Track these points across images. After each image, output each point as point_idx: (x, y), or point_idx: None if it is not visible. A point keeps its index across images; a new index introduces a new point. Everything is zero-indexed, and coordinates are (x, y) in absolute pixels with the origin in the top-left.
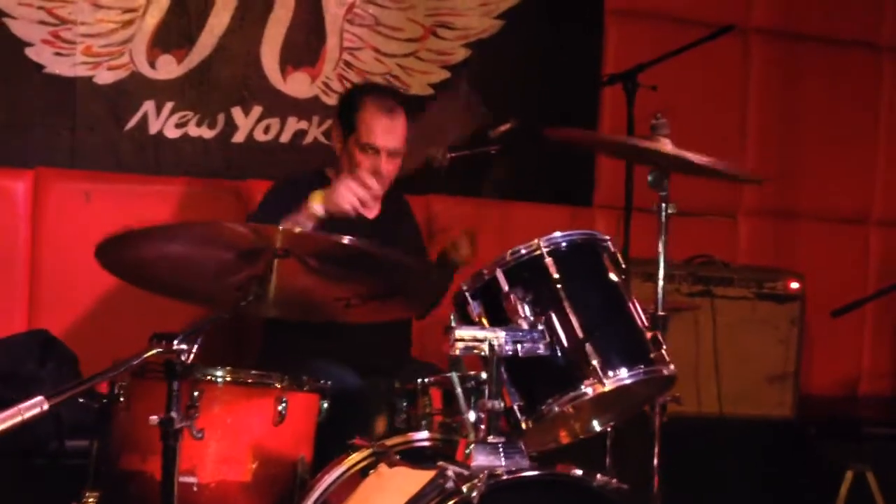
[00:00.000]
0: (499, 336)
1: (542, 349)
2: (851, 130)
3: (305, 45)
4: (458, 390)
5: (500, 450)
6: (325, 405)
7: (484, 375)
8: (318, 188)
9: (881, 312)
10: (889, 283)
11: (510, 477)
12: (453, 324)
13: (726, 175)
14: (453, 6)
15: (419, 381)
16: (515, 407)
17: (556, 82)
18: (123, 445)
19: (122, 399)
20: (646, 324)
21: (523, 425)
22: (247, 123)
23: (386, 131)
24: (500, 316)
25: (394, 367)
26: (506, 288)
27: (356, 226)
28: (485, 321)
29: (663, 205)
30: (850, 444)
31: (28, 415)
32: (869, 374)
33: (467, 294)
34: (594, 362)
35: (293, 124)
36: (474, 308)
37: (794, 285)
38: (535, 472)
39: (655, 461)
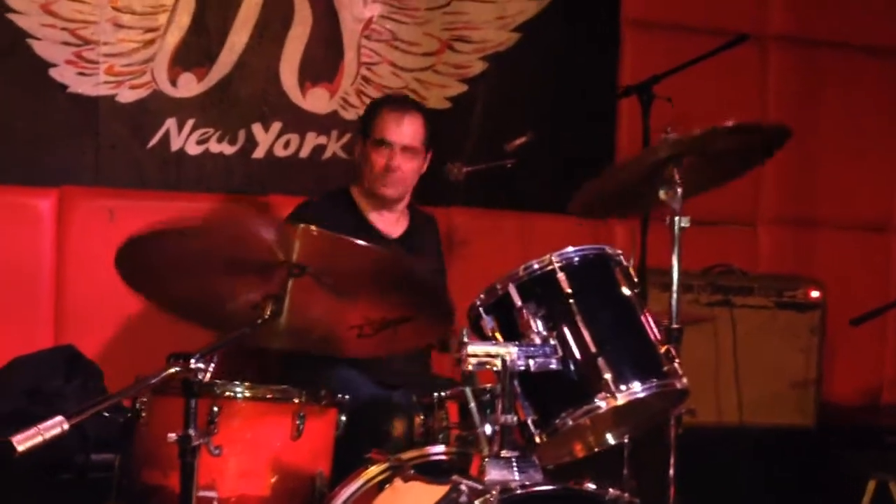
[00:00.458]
0: (511, 351)
1: (554, 364)
2: (871, 137)
3: (323, 62)
4: (472, 405)
5: (514, 464)
6: (343, 419)
7: (498, 388)
8: (342, 211)
9: None
10: None
11: (523, 491)
12: (466, 339)
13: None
14: (469, 20)
15: (435, 394)
16: (529, 421)
17: (572, 94)
18: (145, 460)
19: (143, 415)
20: (659, 337)
21: (537, 439)
22: (267, 139)
23: (398, 127)
24: (513, 330)
25: (414, 380)
26: (518, 303)
27: (380, 243)
28: (498, 335)
29: (676, 219)
30: (872, 454)
31: (48, 435)
32: (891, 382)
33: (481, 309)
34: (607, 376)
35: (312, 139)
36: (487, 322)
37: (815, 294)
38: (548, 487)
39: (671, 471)
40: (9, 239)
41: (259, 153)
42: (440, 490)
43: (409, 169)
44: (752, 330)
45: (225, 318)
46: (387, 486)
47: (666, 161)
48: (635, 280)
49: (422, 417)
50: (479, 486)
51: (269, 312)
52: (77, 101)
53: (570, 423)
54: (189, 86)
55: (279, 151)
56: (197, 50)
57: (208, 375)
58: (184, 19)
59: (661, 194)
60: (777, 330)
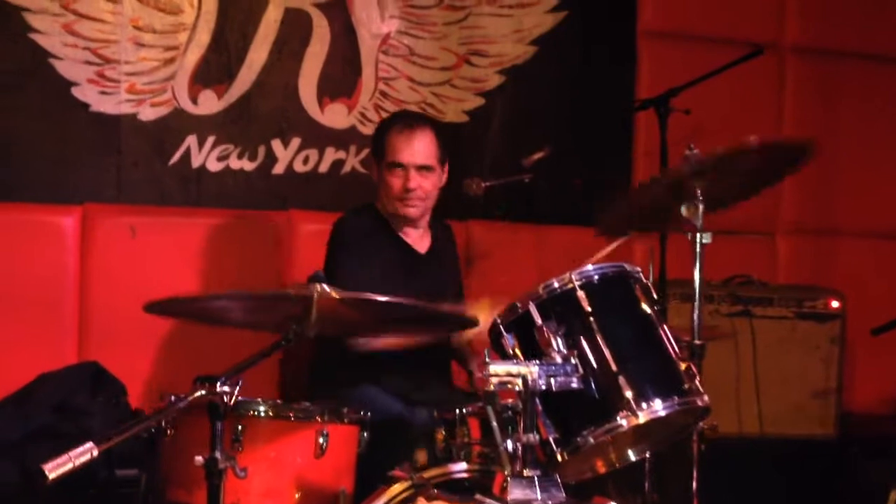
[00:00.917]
0: (532, 371)
1: (575, 383)
2: (889, 146)
3: (342, 77)
4: (494, 424)
5: (536, 483)
6: (365, 436)
7: (520, 405)
8: (376, 228)
9: None
10: None
11: None
12: (487, 359)
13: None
14: (486, 34)
15: (457, 410)
16: (551, 439)
17: (589, 107)
18: (170, 478)
19: (168, 433)
20: (679, 353)
21: (559, 457)
22: (286, 155)
23: (409, 147)
24: (533, 348)
25: (436, 395)
26: (539, 321)
27: (410, 263)
28: (519, 353)
29: (698, 235)
30: (893, 463)
31: (79, 462)
32: None
33: (501, 327)
34: (628, 394)
35: (331, 154)
36: (508, 340)
37: (835, 304)
38: None
39: (694, 485)
40: (33, 256)
41: (279, 169)
42: None
43: (427, 187)
44: (772, 341)
45: (254, 322)
46: None
47: (688, 177)
48: (655, 297)
49: (444, 433)
50: None
51: (293, 332)
52: (99, 119)
53: (592, 441)
54: (209, 103)
55: (299, 167)
56: (217, 67)
57: (234, 399)
58: (203, 37)
59: (683, 210)
60: (797, 340)
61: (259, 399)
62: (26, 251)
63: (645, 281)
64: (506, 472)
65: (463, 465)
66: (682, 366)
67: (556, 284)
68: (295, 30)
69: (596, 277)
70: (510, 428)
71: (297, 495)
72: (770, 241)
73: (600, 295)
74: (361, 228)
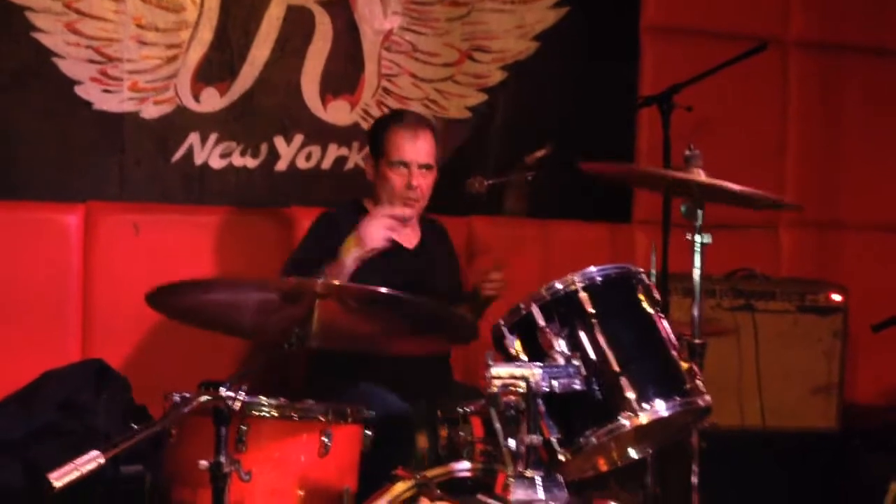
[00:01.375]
0: (535, 373)
1: (578, 384)
2: (892, 140)
3: (344, 74)
4: (497, 425)
5: (538, 483)
6: (369, 434)
7: (523, 404)
8: (354, 222)
9: None
10: None
11: None
12: (490, 361)
13: (763, 202)
14: (488, 29)
15: (460, 409)
16: (553, 439)
17: (592, 103)
18: (175, 478)
19: (173, 432)
20: (681, 353)
21: (561, 457)
22: (289, 152)
23: (413, 146)
24: (536, 349)
25: (437, 391)
26: (542, 323)
27: (397, 258)
28: (522, 354)
29: (697, 237)
30: (895, 456)
31: (85, 470)
32: None
33: (504, 328)
34: (630, 395)
35: (334, 151)
36: (511, 342)
37: (837, 297)
38: None
39: (695, 480)
40: (37, 254)
41: (281, 166)
42: None
43: (427, 185)
44: (774, 334)
45: (256, 329)
46: None
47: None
48: (657, 297)
49: (446, 431)
50: None
51: (295, 336)
52: (102, 117)
53: (594, 441)
54: (212, 100)
55: (301, 164)
56: (219, 65)
57: (238, 404)
58: (206, 35)
59: (683, 210)
60: (799, 334)
61: (263, 399)
62: (30, 249)
63: (647, 282)
64: (508, 472)
65: (466, 465)
66: (685, 366)
67: (558, 286)
68: (297, 27)
69: (599, 279)
70: (513, 426)
71: (301, 494)
72: (773, 234)
73: (603, 296)
74: (342, 221)
